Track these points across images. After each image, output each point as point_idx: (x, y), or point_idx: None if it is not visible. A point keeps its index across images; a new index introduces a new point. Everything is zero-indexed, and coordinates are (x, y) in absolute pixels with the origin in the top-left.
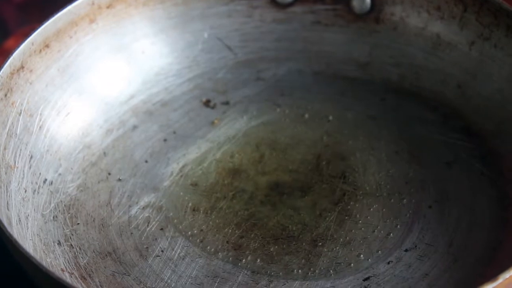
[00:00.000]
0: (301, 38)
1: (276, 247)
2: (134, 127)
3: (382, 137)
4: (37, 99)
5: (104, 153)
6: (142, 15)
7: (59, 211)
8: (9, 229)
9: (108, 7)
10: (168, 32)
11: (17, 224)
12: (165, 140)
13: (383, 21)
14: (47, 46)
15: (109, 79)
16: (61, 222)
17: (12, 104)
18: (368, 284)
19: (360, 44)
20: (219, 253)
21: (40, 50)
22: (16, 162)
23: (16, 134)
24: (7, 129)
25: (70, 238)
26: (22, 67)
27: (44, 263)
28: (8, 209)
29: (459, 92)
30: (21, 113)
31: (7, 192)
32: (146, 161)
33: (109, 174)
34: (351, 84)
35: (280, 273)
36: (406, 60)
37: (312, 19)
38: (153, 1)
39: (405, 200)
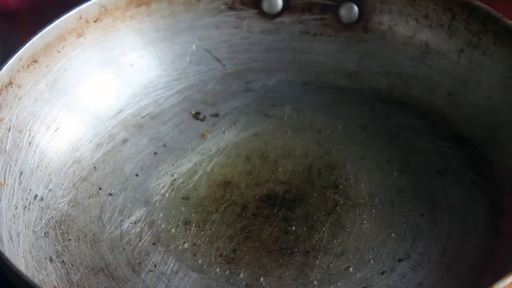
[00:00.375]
0: (290, 49)
1: (269, 259)
2: (124, 141)
3: (373, 147)
4: (26, 115)
5: (95, 167)
6: (130, 28)
7: (50, 227)
8: (0, 247)
9: (95, 21)
10: (156, 45)
11: (8, 241)
12: (155, 153)
13: (371, 30)
14: (35, 61)
15: (98, 93)
16: (52, 239)
17: (1, 120)
18: None
19: (348, 54)
20: (212, 267)
21: (28, 66)
22: (6, 179)
23: (6, 150)
24: None
25: (62, 254)
26: (11, 83)
27: (36, 281)
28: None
29: (449, 100)
30: (10, 129)
31: None
32: (137, 175)
33: (100, 188)
34: (340, 93)
35: (274, 286)
36: (395, 69)
37: (301, 29)
38: (141, 14)
39: (397, 209)
